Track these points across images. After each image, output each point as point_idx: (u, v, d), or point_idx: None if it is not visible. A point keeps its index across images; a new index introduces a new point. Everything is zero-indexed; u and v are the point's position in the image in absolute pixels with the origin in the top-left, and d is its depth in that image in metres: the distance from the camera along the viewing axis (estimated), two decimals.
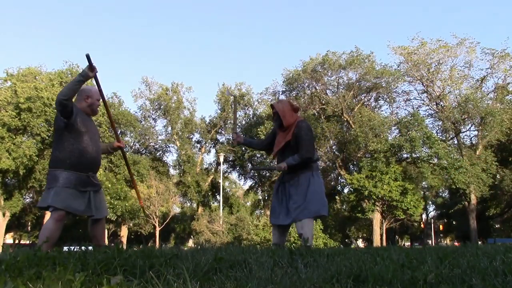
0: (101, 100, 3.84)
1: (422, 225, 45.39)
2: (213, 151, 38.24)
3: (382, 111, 29.78)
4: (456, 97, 25.75)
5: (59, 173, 3.49)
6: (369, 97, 28.99)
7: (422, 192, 35.92)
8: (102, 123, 25.62)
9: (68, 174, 3.49)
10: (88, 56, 3.46)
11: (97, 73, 3.54)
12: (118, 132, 26.12)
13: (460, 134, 26.74)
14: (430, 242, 42.60)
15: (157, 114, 35.32)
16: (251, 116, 35.26)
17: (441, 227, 46.93)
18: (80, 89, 3.69)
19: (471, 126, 26.70)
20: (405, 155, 25.28)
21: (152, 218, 29.42)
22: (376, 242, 25.05)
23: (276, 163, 4.36)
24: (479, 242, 19.29)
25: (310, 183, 4.07)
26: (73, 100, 3.62)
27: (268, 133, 4.60)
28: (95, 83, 3.76)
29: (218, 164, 35.87)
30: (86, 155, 3.56)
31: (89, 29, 79.15)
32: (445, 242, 50.41)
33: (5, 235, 29.47)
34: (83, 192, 3.56)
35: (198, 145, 37.68)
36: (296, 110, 4.23)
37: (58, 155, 3.53)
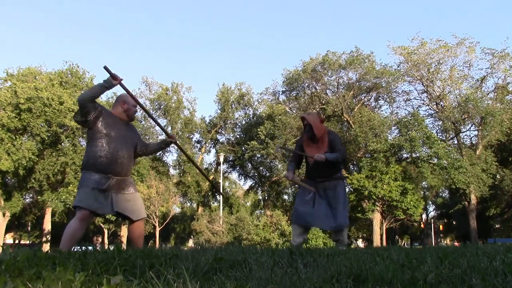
0: (136, 104, 3.98)
1: (422, 225, 45.37)
2: (213, 151, 38.29)
3: (382, 111, 29.82)
4: (456, 97, 25.76)
5: (83, 173, 3.68)
6: (369, 97, 28.99)
7: (422, 192, 35.91)
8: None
9: (89, 174, 3.63)
10: (106, 68, 3.65)
11: (122, 81, 3.69)
12: None
13: (460, 134, 26.75)
14: (431, 241, 42.58)
15: (157, 114, 35.33)
16: (251, 116, 35.27)
17: (441, 227, 46.93)
18: (118, 96, 4.02)
19: (471, 126, 26.71)
20: (405, 155, 25.28)
21: (152, 218, 29.42)
22: (376, 242, 25.04)
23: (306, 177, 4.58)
24: (479, 242, 19.31)
25: (345, 192, 4.43)
26: (110, 106, 3.94)
27: (294, 153, 4.71)
28: (124, 91, 3.88)
29: (218, 164, 35.89)
30: (108, 156, 3.65)
31: (89, 29, 79.19)
32: (445, 242, 50.42)
33: (5, 235, 29.46)
34: (105, 192, 3.64)
35: (198, 145, 37.71)
36: (323, 121, 4.47)
37: (87, 156, 3.71)
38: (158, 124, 4.43)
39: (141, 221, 3.87)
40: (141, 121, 34.62)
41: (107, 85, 3.63)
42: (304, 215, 4.32)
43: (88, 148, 3.72)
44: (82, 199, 3.56)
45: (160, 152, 36.49)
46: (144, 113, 35.35)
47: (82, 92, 28.34)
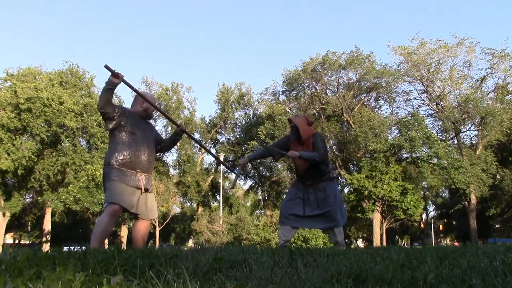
0: (154, 102, 4.01)
1: (422, 225, 45.38)
2: (213, 151, 38.24)
3: (382, 111, 29.84)
4: (456, 97, 25.76)
5: (109, 169, 3.65)
6: (369, 97, 29.00)
7: (422, 192, 35.91)
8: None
9: (116, 170, 3.63)
10: (107, 67, 3.61)
11: (123, 77, 3.67)
12: None
13: (460, 134, 26.75)
14: (431, 241, 42.58)
15: (157, 114, 35.32)
16: (251, 116, 35.27)
17: (441, 227, 46.94)
18: (136, 95, 4.01)
19: (471, 126, 26.71)
20: (405, 155, 25.29)
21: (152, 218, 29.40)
22: (376, 242, 25.05)
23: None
24: (479, 242, 19.32)
25: (336, 191, 4.42)
26: (131, 104, 4.03)
27: (281, 141, 4.77)
28: (130, 89, 3.89)
29: (218, 164, 35.88)
30: (135, 153, 3.69)
31: (89, 29, 79.19)
32: (445, 242, 50.44)
33: (5, 235, 29.47)
34: (133, 188, 3.66)
35: (198, 145, 37.71)
36: (311, 124, 4.51)
37: (109, 153, 3.71)
38: (166, 115, 4.53)
39: (150, 221, 3.91)
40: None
41: (110, 86, 3.63)
42: (291, 216, 4.34)
43: (113, 145, 3.72)
44: (116, 195, 3.54)
45: (160, 152, 36.54)
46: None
47: (82, 92, 28.29)
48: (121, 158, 3.65)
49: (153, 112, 4.11)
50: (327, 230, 4.49)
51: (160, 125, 34.83)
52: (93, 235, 3.50)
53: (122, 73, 3.66)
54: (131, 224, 32.65)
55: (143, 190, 3.72)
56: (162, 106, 35.09)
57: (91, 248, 3.09)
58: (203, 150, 37.44)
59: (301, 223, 4.41)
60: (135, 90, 3.87)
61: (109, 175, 3.62)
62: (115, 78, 3.62)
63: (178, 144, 35.10)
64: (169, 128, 35.30)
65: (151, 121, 4.60)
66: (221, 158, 31.21)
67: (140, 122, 3.89)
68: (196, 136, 37.65)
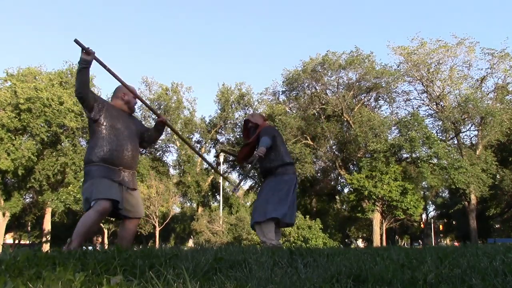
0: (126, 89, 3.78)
1: (422, 225, 45.39)
2: (213, 151, 38.26)
3: (382, 111, 29.86)
4: (456, 97, 25.77)
5: (90, 168, 3.40)
6: (369, 97, 29.01)
7: (422, 192, 35.93)
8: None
9: (99, 167, 3.38)
10: (77, 41, 3.34)
11: (94, 53, 3.38)
12: None
13: (460, 134, 26.76)
14: (431, 241, 42.59)
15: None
16: None
17: (441, 227, 46.94)
18: (116, 87, 3.74)
19: (471, 126, 26.73)
20: (405, 155, 25.30)
21: (152, 218, 29.42)
22: (376, 242, 25.06)
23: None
24: (479, 242, 19.32)
25: (279, 184, 4.29)
26: (111, 97, 3.75)
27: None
28: (103, 68, 3.59)
29: (218, 164, 35.87)
30: (117, 149, 3.45)
31: (89, 29, 79.09)
32: (445, 242, 50.43)
33: (5, 235, 29.47)
34: (118, 184, 3.42)
35: (198, 145, 37.67)
36: (266, 120, 4.71)
37: (89, 150, 3.47)
38: (146, 104, 4.25)
39: (138, 220, 3.66)
40: (141, 121, 34.67)
41: (83, 64, 3.32)
42: (286, 212, 4.26)
43: (94, 141, 3.47)
44: (103, 190, 3.28)
45: (160, 152, 36.54)
46: (144, 113, 35.42)
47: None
48: (102, 154, 3.39)
49: (135, 106, 3.85)
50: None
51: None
52: (77, 233, 3.18)
53: (93, 50, 3.35)
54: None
55: (126, 187, 3.48)
56: (162, 107, 35.10)
57: (72, 247, 3.03)
58: (203, 149, 37.45)
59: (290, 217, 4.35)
60: (108, 70, 3.56)
61: (91, 172, 3.37)
62: (86, 55, 3.32)
63: (178, 144, 35.09)
64: (169, 128, 35.33)
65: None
66: (221, 158, 31.27)
67: (121, 115, 3.63)
68: (196, 136, 37.68)
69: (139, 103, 4.03)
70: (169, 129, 34.81)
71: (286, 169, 4.36)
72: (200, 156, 5.24)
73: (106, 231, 36.08)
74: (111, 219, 28.21)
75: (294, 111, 29.19)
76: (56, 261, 1.93)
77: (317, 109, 28.49)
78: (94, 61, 3.43)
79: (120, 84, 3.74)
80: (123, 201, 3.42)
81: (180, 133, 34.09)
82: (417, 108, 27.27)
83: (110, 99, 3.80)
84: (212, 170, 37.13)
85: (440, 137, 25.81)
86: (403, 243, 48.59)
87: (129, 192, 3.53)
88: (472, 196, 25.22)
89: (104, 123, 3.47)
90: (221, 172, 33.83)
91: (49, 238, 28.62)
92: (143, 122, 3.98)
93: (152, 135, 3.92)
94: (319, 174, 31.64)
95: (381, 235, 26.50)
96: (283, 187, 4.25)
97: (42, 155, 26.27)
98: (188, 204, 41.47)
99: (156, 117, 4.00)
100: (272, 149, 4.33)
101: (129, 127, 3.62)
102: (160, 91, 35.39)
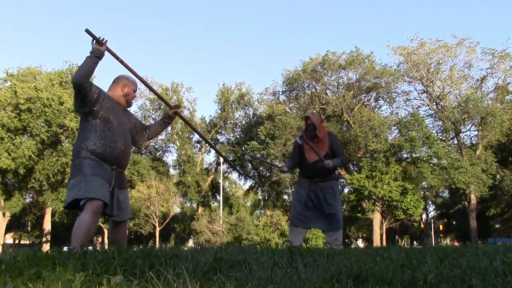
0: (136, 89, 3.65)
1: (422, 225, 45.40)
2: (213, 151, 38.27)
3: (382, 111, 29.85)
4: (456, 97, 25.79)
5: (80, 160, 3.13)
6: (369, 97, 29.01)
7: (422, 192, 35.93)
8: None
9: (92, 161, 3.12)
10: (88, 31, 3.19)
11: (107, 43, 3.22)
12: None
13: (460, 134, 26.78)
14: (431, 241, 42.58)
15: (157, 114, 35.34)
16: (251, 116, 35.27)
17: (441, 227, 46.93)
18: (118, 76, 3.51)
19: (471, 126, 26.75)
20: (405, 155, 25.30)
21: (152, 218, 29.43)
22: (376, 242, 25.06)
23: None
24: (479, 242, 19.31)
25: (339, 192, 4.61)
26: (109, 86, 3.48)
27: (293, 151, 4.81)
28: (116, 59, 3.42)
29: (218, 164, 35.92)
30: (109, 144, 3.19)
31: (89, 29, 79.10)
32: (445, 242, 50.41)
33: (5, 235, 29.47)
34: (109, 184, 3.18)
35: (198, 145, 37.70)
36: (322, 121, 4.69)
37: (79, 142, 3.19)
38: (157, 94, 4.00)
39: (127, 222, 3.48)
40: (141, 121, 34.66)
41: (96, 54, 3.14)
42: (301, 217, 4.41)
43: (84, 133, 3.19)
44: (95, 189, 3.04)
45: (160, 152, 36.53)
46: (144, 113, 35.39)
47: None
48: (93, 148, 3.13)
49: (133, 101, 3.61)
50: (329, 231, 4.50)
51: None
52: (75, 237, 2.97)
53: (106, 39, 3.18)
54: (131, 224, 32.65)
55: (117, 187, 3.27)
56: (162, 106, 35.12)
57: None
58: (203, 150, 37.46)
59: (310, 223, 4.47)
60: (121, 61, 3.38)
61: (81, 167, 3.09)
62: (99, 45, 3.14)
63: (178, 144, 35.09)
64: (169, 128, 35.32)
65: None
66: (221, 159, 31.25)
67: (117, 108, 3.37)
68: (196, 136, 37.65)
69: (143, 97, 3.89)
70: (169, 128, 34.72)
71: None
72: (212, 146, 5.14)
73: (106, 231, 36.08)
74: (111, 219, 28.43)
75: (294, 111, 29.18)
76: (56, 261, 1.93)
77: (317, 109, 28.46)
78: (106, 52, 3.26)
79: (124, 74, 3.56)
80: (114, 205, 3.23)
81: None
82: (417, 108, 27.31)
83: (109, 87, 3.53)
84: (213, 170, 37.16)
85: (440, 137, 25.82)
86: (403, 243, 48.58)
87: (120, 192, 3.33)
88: (472, 196, 25.22)
89: (99, 114, 3.20)
90: (222, 172, 33.98)
91: (49, 238, 28.63)
92: (143, 122, 3.78)
93: (157, 129, 3.70)
94: None
95: (381, 235, 26.50)
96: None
97: (42, 155, 26.28)
98: (188, 204, 41.49)
99: (168, 108, 3.74)
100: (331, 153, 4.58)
101: (123, 122, 3.37)
102: (160, 91, 35.37)
